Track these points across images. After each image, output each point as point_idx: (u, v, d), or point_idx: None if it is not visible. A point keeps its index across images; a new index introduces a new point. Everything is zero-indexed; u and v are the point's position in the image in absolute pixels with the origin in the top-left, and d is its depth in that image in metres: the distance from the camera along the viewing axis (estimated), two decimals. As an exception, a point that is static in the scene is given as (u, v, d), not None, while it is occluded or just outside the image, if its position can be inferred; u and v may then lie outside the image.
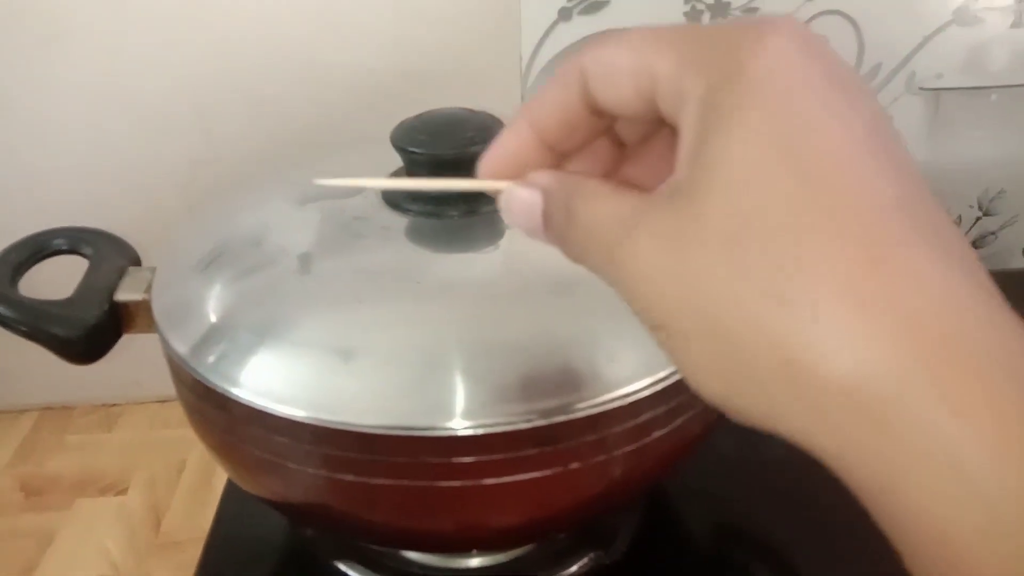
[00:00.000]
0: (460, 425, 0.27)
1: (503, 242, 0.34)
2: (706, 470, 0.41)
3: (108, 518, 0.56)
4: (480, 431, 0.27)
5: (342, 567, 0.39)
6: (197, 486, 0.59)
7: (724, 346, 0.16)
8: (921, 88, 0.58)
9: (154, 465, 0.61)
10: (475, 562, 0.39)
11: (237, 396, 0.29)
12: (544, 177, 0.20)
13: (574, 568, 0.39)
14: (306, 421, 0.28)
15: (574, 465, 0.29)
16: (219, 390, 0.29)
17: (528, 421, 0.28)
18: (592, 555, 0.40)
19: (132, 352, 0.36)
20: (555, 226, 0.20)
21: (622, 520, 0.41)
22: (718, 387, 0.17)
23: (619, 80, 0.18)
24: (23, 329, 0.33)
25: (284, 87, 0.56)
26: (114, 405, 0.67)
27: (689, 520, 0.44)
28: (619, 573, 0.40)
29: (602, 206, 0.19)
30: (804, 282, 0.15)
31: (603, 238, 0.18)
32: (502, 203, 0.21)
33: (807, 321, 0.15)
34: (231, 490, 0.45)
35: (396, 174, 0.36)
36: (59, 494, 0.58)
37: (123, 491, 0.58)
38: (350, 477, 0.29)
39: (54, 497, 0.58)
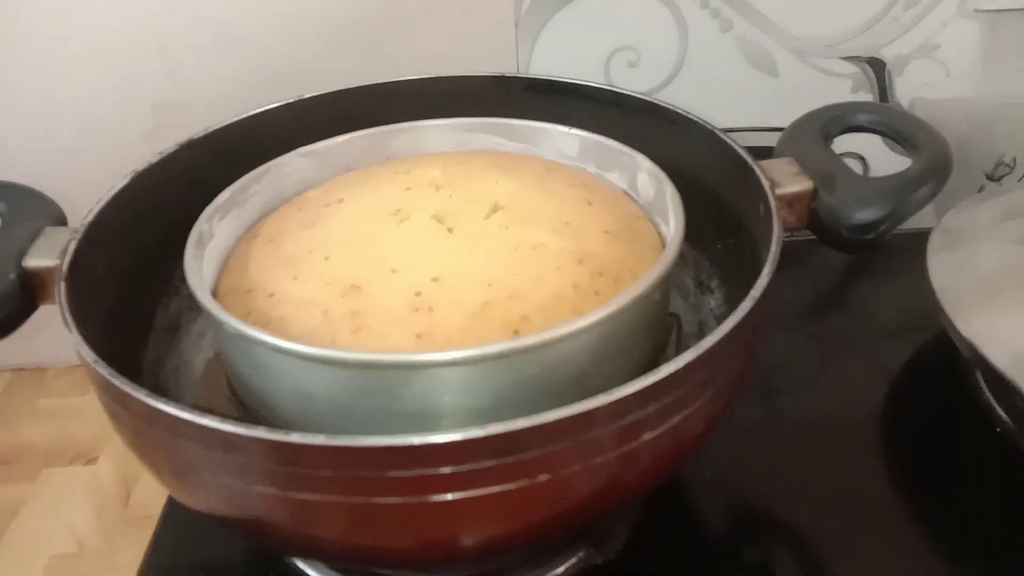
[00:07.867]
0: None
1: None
2: (714, 456, 0.36)
3: (76, 490, 0.53)
4: (421, 440, 0.22)
5: (300, 565, 0.35)
6: (173, 455, 0.55)
7: None
8: (976, 10, 0.51)
9: (128, 432, 0.57)
10: (448, 562, 0.34)
11: (136, 393, 0.24)
12: None
13: (560, 569, 0.35)
14: (214, 426, 0.23)
15: (543, 477, 0.24)
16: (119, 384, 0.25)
17: (482, 428, 0.22)
18: (582, 553, 0.35)
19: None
20: None
21: (616, 515, 0.37)
22: None
23: None
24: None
25: (255, 21, 0.51)
26: (90, 366, 0.63)
27: (695, 511, 0.39)
28: (614, 573, 0.35)
29: None
30: None
31: None
32: None
33: None
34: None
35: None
36: (28, 463, 0.55)
37: (93, 460, 0.55)
38: (272, 491, 0.24)
39: (23, 467, 0.55)
